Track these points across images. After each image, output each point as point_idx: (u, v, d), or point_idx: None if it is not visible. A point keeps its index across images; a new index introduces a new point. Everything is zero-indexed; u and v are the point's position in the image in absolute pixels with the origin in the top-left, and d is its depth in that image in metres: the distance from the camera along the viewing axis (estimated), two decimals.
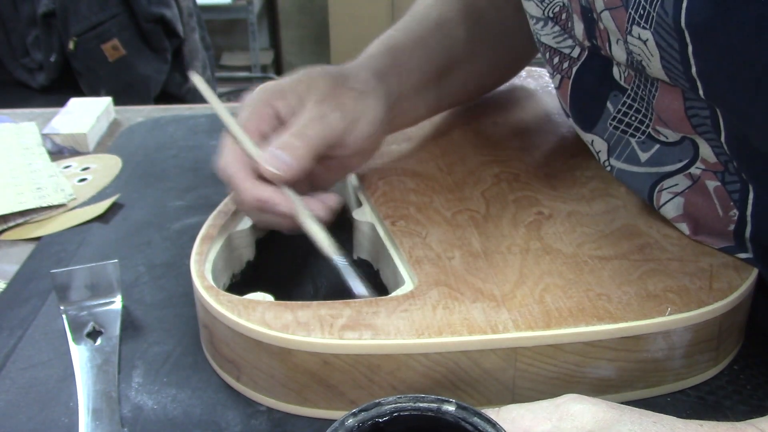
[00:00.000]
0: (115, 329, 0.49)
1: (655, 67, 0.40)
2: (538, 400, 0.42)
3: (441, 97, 0.61)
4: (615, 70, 0.48)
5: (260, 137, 0.49)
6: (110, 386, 0.44)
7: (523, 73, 0.79)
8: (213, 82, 1.62)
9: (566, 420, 0.33)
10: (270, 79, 0.77)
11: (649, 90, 0.44)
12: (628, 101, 0.47)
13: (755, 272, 0.45)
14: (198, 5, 1.59)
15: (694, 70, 0.38)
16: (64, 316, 0.50)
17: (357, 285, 0.44)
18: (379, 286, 0.51)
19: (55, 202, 0.65)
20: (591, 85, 0.50)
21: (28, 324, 0.50)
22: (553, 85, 0.55)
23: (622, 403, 0.35)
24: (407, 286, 0.45)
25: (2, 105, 0.97)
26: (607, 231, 0.49)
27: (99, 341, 0.48)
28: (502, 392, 0.41)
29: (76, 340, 0.48)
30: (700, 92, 0.39)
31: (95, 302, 0.51)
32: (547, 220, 0.51)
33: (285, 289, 0.52)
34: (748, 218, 0.44)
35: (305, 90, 0.51)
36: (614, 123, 0.49)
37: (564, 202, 0.53)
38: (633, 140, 0.49)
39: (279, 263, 0.55)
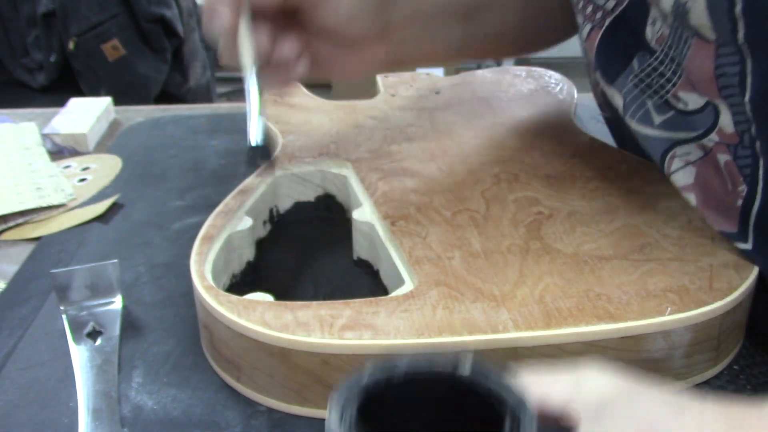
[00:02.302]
0: (115, 329, 0.49)
1: (699, 8, 0.40)
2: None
3: (467, 38, 0.60)
4: (648, 29, 0.47)
5: None
6: (110, 386, 0.44)
7: (522, 73, 0.79)
8: (213, 82, 1.62)
9: (584, 384, 0.33)
10: None
11: (681, 50, 0.44)
12: (655, 63, 0.47)
13: (755, 272, 0.45)
14: (198, 5, 1.59)
15: (739, 7, 0.38)
16: (64, 316, 0.50)
17: (254, 125, 0.44)
18: (379, 286, 0.51)
19: (55, 202, 0.65)
20: (620, 40, 0.50)
21: (28, 324, 0.50)
22: (581, 38, 0.54)
23: None
24: (407, 286, 0.45)
25: (2, 105, 0.97)
26: (607, 231, 0.49)
27: (99, 341, 0.48)
28: None
29: (76, 340, 0.48)
30: (739, 35, 0.39)
31: (95, 302, 0.51)
32: (547, 220, 0.51)
33: (285, 289, 0.52)
34: (758, 193, 0.44)
35: None
36: (635, 81, 0.49)
37: (564, 202, 0.53)
38: (650, 102, 0.48)
39: (279, 263, 0.56)
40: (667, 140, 0.48)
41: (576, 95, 0.73)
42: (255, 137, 0.45)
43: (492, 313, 0.41)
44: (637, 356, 0.42)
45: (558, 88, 0.75)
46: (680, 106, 0.46)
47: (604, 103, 0.58)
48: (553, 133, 0.64)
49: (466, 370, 0.31)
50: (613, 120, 0.58)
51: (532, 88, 0.74)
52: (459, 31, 0.59)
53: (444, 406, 0.32)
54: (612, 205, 0.52)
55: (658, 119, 0.48)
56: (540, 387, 0.33)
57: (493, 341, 0.40)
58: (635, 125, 0.50)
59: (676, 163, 0.48)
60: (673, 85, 0.46)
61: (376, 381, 0.31)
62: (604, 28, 0.51)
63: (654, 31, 0.47)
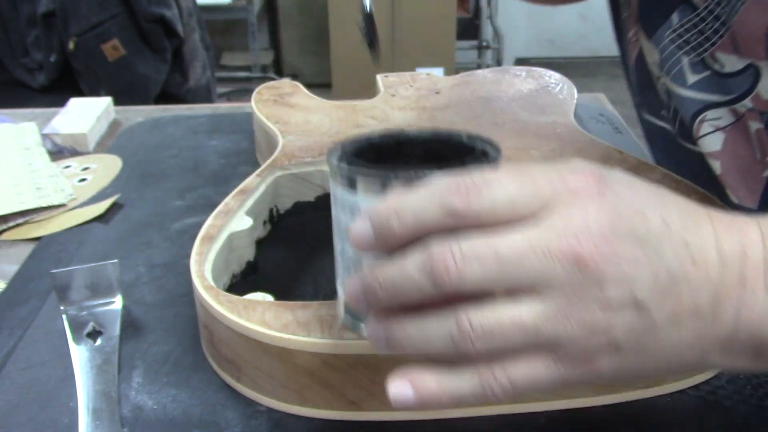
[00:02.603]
0: (115, 329, 0.49)
1: None
2: (539, 399, 0.42)
3: None
4: None
5: None
6: (110, 386, 0.44)
7: (522, 73, 0.79)
8: (213, 82, 1.62)
9: (565, 165, 0.33)
10: (270, 79, 0.77)
11: (733, 6, 0.43)
12: (695, 19, 0.46)
13: None
14: (198, 5, 1.59)
15: None
16: (64, 316, 0.50)
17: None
18: None
19: (55, 202, 0.65)
20: None
21: (28, 324, 0.50)
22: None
23: (622, 402, 0.35)
24: None
25: (2, 105, 0.97)
26: None
27: (99, 341, 0.48)
28: None
29: (76, 340, 0.48)
30: None
31: (95, 302, 0.51)
32: None
33: (285, 289, 0.52)
34: None
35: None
36: (672, 36, 0.48)
37: None
38: (685, 59, 0.47)
39: (279, 263, 0.56)
40: (699, 102, 0.47)
41: (576, 95, 0.73)
42: (368, 4, 0.45)
43: None
44: None
45: (558, 88, 0.75)
46: (716, 67, 0.45)
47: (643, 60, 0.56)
48: (553, 133, 0.64)
49: (462, 134, 0.37)
50: (650, 81, 0.56)
51: (532, 88, 0.74)
52: None
53: (426, 155, 0.39)
54: None
55: (691, 78, 0.47)
56: (527, 169, 0.32)
57: None
58: (669, 83, 0.49)
59: (705, 128, 0.47)
60: (712, 44, 0.45)
61: (367, 139, 0.38)
62: None
63: None
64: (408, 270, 0.30)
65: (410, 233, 0.30)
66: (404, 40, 2.98)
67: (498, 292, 0.30)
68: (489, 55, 3.56)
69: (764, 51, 0.42)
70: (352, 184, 0.34)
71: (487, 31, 3.53)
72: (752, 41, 0.42)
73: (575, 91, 0.73)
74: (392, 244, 0.31)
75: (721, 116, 0.46)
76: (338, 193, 0.36)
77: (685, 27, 0.47)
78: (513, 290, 0.29)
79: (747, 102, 0.44)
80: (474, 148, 0.37)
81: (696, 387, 0.44)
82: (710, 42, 0.45)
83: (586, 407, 0.42)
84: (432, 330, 0.30)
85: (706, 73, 0.46)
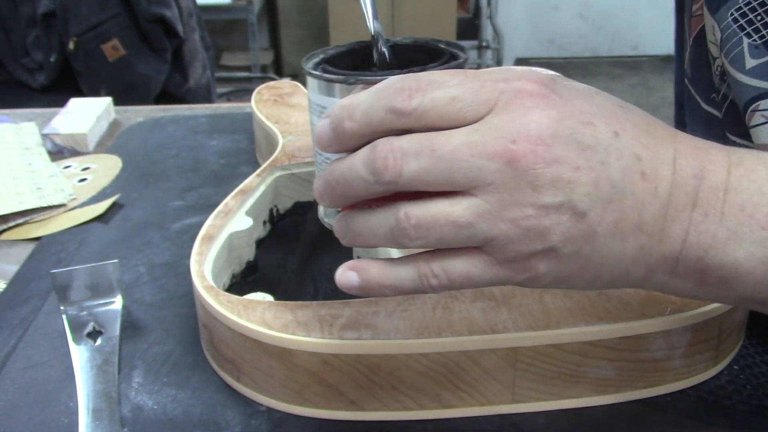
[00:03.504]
0: (115, 329, 0.49)
1: None
2: (539, 399, 0.42)
3: None
4: None
5: None
6: (110, 386, 0.44)
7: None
8: (213, 82, 1.62)
9: (516, 70, 0.33)
10: (270, 79, 0.77)
11: None
12: None
13: None
14: (198, 5, 1.59)
15: None
16: (64, 316, 0.50)
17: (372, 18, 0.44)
18: None
19: (55, 202, 0.66)
20: None
21: (28, 324, 0.50)
22: None
23: (622, 402, 0.35)
24: None
25: (2, 105, 0.98)
26: None
27: (99, 341, 0.48)
28: (502, 392, 0.41)
29: (76, 340, 0.48)
30: None
31: (95, 302, 0.51)
32: None
33: (285, 289, 0.52)
34: None
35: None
36: (736, 14, 0.46)
37: None
38: (747, 41, 0.45)
39: (279, 263, 0.56)
40: (754, 89, 0.45)
41: None
42: (372, 24, 0.45)
43: (492, 313, 0.41)
44: (637, 356, 0.42)
45: None
46: None
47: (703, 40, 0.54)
48: None
49: (422, 40, 0.40)
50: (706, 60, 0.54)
51: None
52: None
53: (406, 63, 0.40)
54: None
55: (750, 63, 0.45)
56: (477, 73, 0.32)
57: (493, 341, 0.40)
58: (727, 65, 0.47)
59: (757, 118, 0.45)
60: None
61: (335, 51, 0.41)
62: None
63: None
64: (355, 165, 0.32)
65: (360, 130, 0.32)
66: None
67: (439, 189, 0.31)
68: (489, 55, 3.56)
69: None
70: (320, 89, 0.39)
71: (487, 31, 3.53)
72: None
73: None
74: (348, 142, 0.33)
75: None
76: (311, 97, 0.40)
77: (752, 6, 0.45)
78: (451, 188, 0.31)
79: None
80: (445, 53, 0.40)
81: (696, 387, 0.44)
82: None
83: (586, 407, 0.42)
84: (376, 223, 0.33)
85: (765, 58, 0.45)
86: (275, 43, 3.63)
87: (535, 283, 0.32)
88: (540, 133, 0.30)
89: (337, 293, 0.42)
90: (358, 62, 0.42)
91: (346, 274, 0.34)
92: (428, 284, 0.33)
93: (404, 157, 0.31)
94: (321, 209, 0.46)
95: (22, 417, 0.42)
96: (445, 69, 0.34)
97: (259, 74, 3.22)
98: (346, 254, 0.55)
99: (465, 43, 3.58)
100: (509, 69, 0.33)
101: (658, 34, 3.72)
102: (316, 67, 0.40)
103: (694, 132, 0.34)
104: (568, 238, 0.31)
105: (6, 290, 0.55)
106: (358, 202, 0.34)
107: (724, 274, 0.32)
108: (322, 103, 0.41)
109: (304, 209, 0.61)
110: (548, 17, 3.82)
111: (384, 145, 0.31)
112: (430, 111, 0.31)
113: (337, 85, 0.39)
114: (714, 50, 0.49)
